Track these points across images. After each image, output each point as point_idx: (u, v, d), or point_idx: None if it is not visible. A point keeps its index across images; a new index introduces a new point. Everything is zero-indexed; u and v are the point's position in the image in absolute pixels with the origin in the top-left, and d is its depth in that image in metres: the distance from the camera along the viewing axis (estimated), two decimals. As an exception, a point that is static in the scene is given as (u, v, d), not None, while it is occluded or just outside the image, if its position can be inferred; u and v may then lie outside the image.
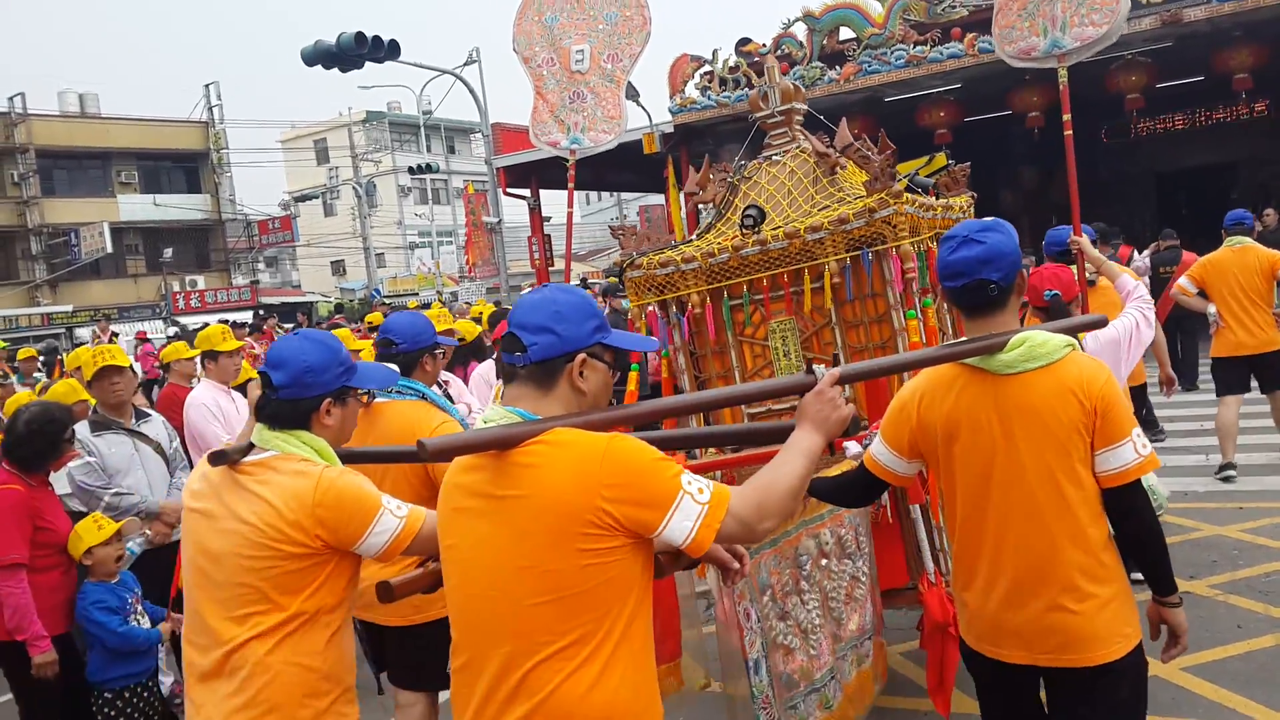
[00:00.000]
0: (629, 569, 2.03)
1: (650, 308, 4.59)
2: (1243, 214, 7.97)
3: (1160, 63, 14.69)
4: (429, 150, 45.81)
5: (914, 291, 4.08)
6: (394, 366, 3.75)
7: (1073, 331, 2.74)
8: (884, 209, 4.01)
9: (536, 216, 20.68)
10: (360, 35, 15.90)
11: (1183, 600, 2.68)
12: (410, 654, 3.60)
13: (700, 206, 4.90)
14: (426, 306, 19.19)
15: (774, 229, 4.29)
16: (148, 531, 5.15)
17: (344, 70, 17.13)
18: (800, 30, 16.77)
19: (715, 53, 17.28)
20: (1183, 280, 7.75)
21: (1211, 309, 7.47)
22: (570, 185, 7.70)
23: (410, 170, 31.54)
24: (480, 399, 6.52)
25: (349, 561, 2.57)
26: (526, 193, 20.69)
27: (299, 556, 2.46)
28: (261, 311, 17.13)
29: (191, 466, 6.17)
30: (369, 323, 12.28)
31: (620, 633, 2.03)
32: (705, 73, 17.38)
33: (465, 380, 6.90)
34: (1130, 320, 4.32)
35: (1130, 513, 2.57)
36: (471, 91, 20.61)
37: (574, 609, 1.99)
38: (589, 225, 59.36)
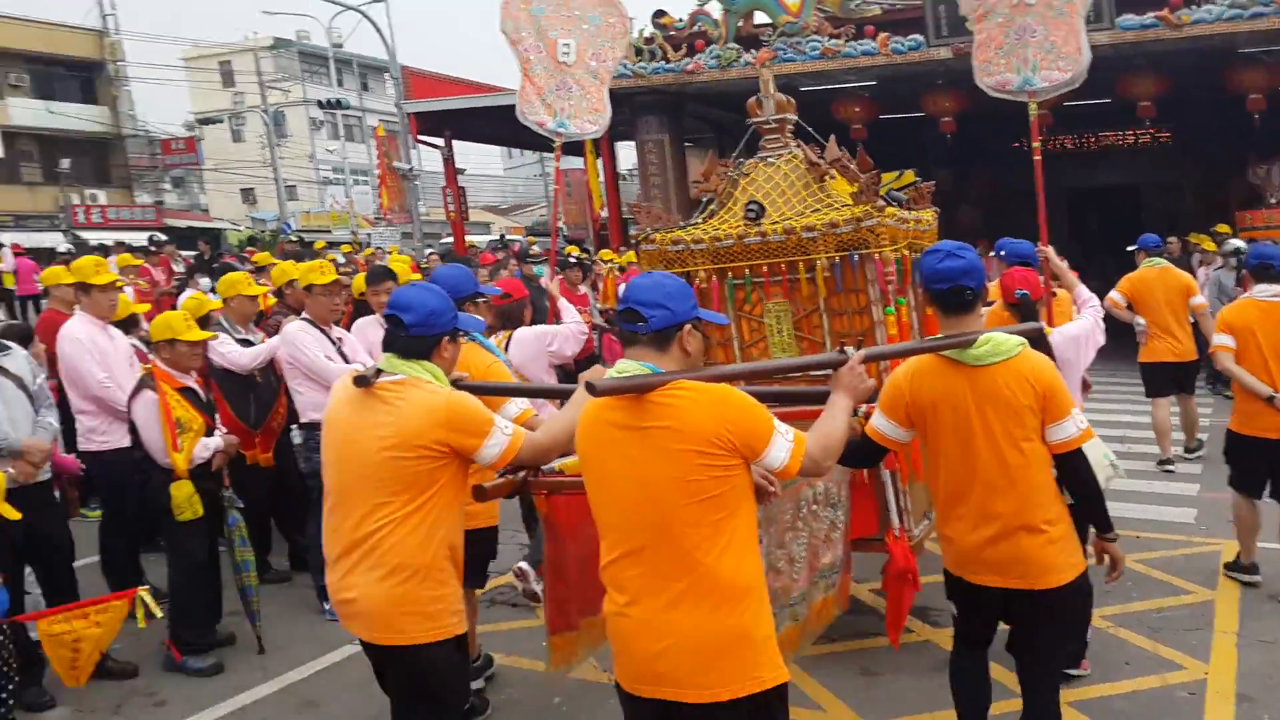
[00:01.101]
0: (742, 481, 2.78)
1: None
2: (1158, 239, 9.18)
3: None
4: (341, 85, 44.42)
5: (890, 291, 4.86)
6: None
7: (1021, 335, 3.51)
8: (869, 219, 4.76)
9: (450, 167, 20.16)
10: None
11: (1118, 536, 3.57)
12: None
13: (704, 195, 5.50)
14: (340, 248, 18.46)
15: (773, 223, 4.95)
16: (10, 470, 4.82)
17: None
18: (715, 9, 16.63)
19: (631, 22, 16.98)
20: (1114, 294, 8.64)
21: (1140, 321, 8.54)
22: (556, 164, 9.40)
23: (320, 104, 30.46)
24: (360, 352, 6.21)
25: (462, 470, 3.27)
26: (440, 141, 20.10)
27: (428, 458, 3.14)
28: (157, 235, 16.31)
29: (60, 402, 5.77)
30: (256, 263, 11.57)
31: (742, 524, 2.77)
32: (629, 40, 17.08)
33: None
34: (1089, 322, 5.03)
35: (1074, 472, 3.45)
36: (379, 30, 19.93)
37: (711, 508, 2.71)
38: (511, 179, 58.48)
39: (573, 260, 11.12)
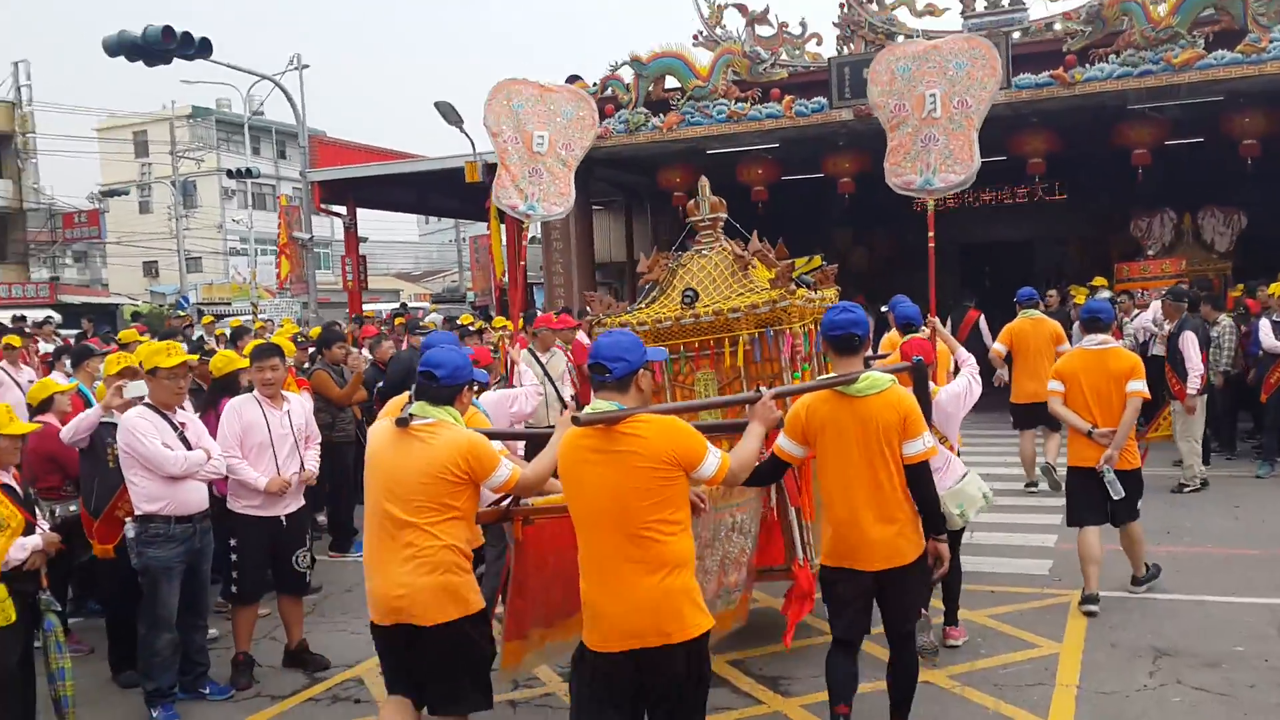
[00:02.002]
0: (684, 487, 3.73)
1: None
2: (1032, 291, 10.48)
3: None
4: (258, 154, 44.10)
5: (798, 360, 5.90)
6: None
7: (893, 373, 4.64)
8: (783, 301, 5.79)
9: (352, 236, 19.98)
10: (168, 29, 14.96)
11: (948, 536, 4.73)
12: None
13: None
14: (241, 318, 18.26)
15: (704, 306, 5.97)
16: None
17: (150, 64, 16.18)
18: (627, 74, 16.89)
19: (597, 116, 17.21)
20: (996, 344, 10.24)
21: (1003, 374, 10.16)
22: (524, 242, 10.59)
23: (229, 173, 30.16)
24: (228, 437, 6.04)
25: (476, 491, 4.19)
26: (343, 210, 20.01)
27: (451, 482, 4.07)
28: (52, 315, 15.84)
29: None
30: (120, 341, 11.06)
31: (683, 517, 3.72)
32: (531, 105, 17.26)
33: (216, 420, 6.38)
34: (966, 380, 5.96)
35: (918, 479, 4.43)
36: (290, 99, 19.86)
37: (662, 506, 3.63)
38: (425, 246, 58.38)
39: (469, 329, 11.11)
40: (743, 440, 4.03)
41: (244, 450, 6.06)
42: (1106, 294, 13.01)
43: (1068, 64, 14.36)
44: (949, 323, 13.63)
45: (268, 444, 6.09)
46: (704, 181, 6.47)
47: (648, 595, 3.61)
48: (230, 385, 7.01)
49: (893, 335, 7.85)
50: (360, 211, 29.69)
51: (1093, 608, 6.46)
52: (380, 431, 4.27)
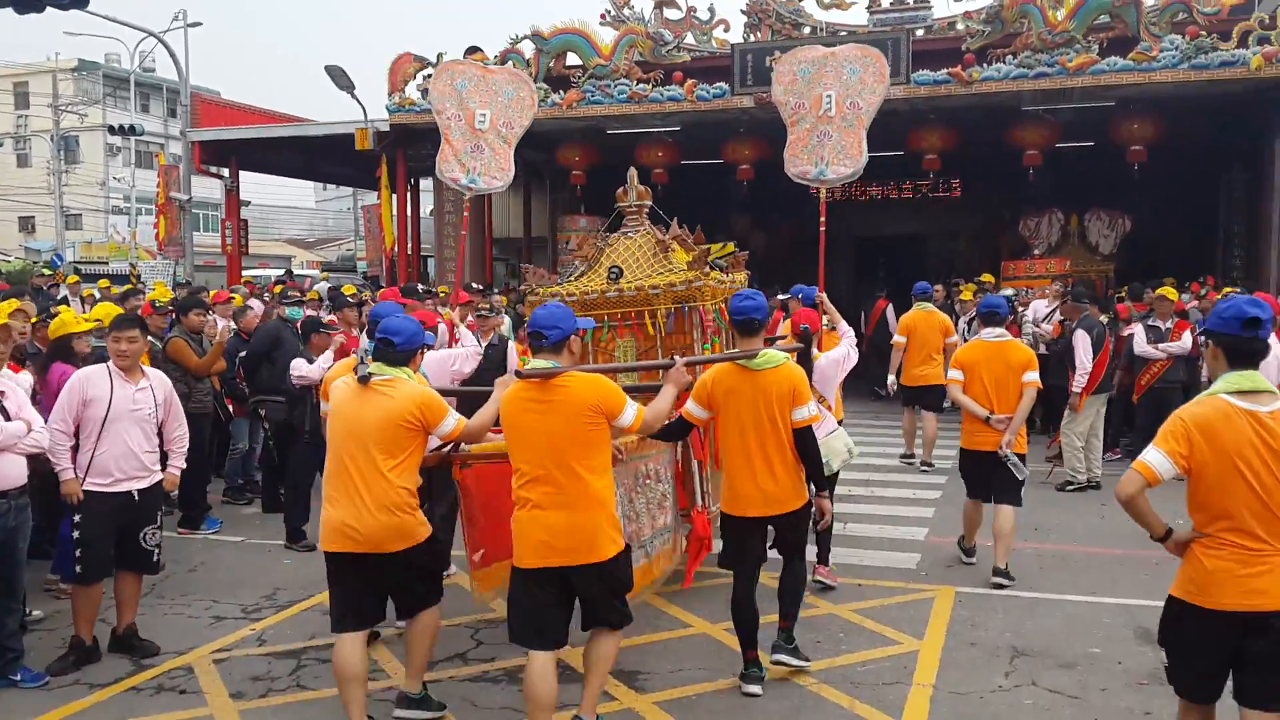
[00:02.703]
0: (606, 433, 4.48)
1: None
2: (926, 285, 11.51)
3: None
4: (148, 111, 42.31)
5: (709, 333, 6.64)
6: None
7: (787, 352, 5.45)
8: (698, 281, 6.56)
9: (233, 199, 19.14)
10: (40, -27, 14.11)
11: (829, 503, 5.66)
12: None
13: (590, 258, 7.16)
14: (120, 281, 17.40)
15: (628, 283, 6.71)
16: None
17: (20, 11, 15.16)
18: (528, 48, 16.48)
19: (440, 56, 16.65)
20: (897, 336, 11.22)
21: (892, 379, 11.17)
22: (465, 218, 10.83)
23: (111, 129, 28.78)
24: (63, 409, 5.59)
25: (425, 439, 4.76)
26: (225, 172, 19.17)
27: (408, 430, 4.62)
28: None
29: None
30: None
31: (606, 459, 4.52)
32: (428, 75, 16.70)
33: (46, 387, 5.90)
34: (845, 348, 6.90)
35: (804, 442, 5.14)
36: (173, 55, 18.94)
37: (590, 450, 4.41)
38: (321, 214, 56.86)
39: (350, 301, 10.67)
40: (657, 398, 4.89)
41: (84, 425, 5.61)
42: (1010, 291, 13.22)
43: (966, 63, 14.46)
44: (862, 313, 16.06)
45: (115, 419, 5.64)
46: (632, 172, 7.33)
47: (578, 523, 4.37)
48: (63, 350, 6.51)
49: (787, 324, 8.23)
50: (254, 176, 28.72)
51: (969, 560, 7.38)
52: (342, 387, 4.86)
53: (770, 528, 5.27)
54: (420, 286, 12.99)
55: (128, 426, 5.69)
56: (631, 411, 4.47)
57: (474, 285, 12.72)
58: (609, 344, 6.78)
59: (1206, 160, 17.82)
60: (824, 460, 5.55)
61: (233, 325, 9.51)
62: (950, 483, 9.56)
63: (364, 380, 4.68)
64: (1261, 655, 3.50)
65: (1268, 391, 3.53)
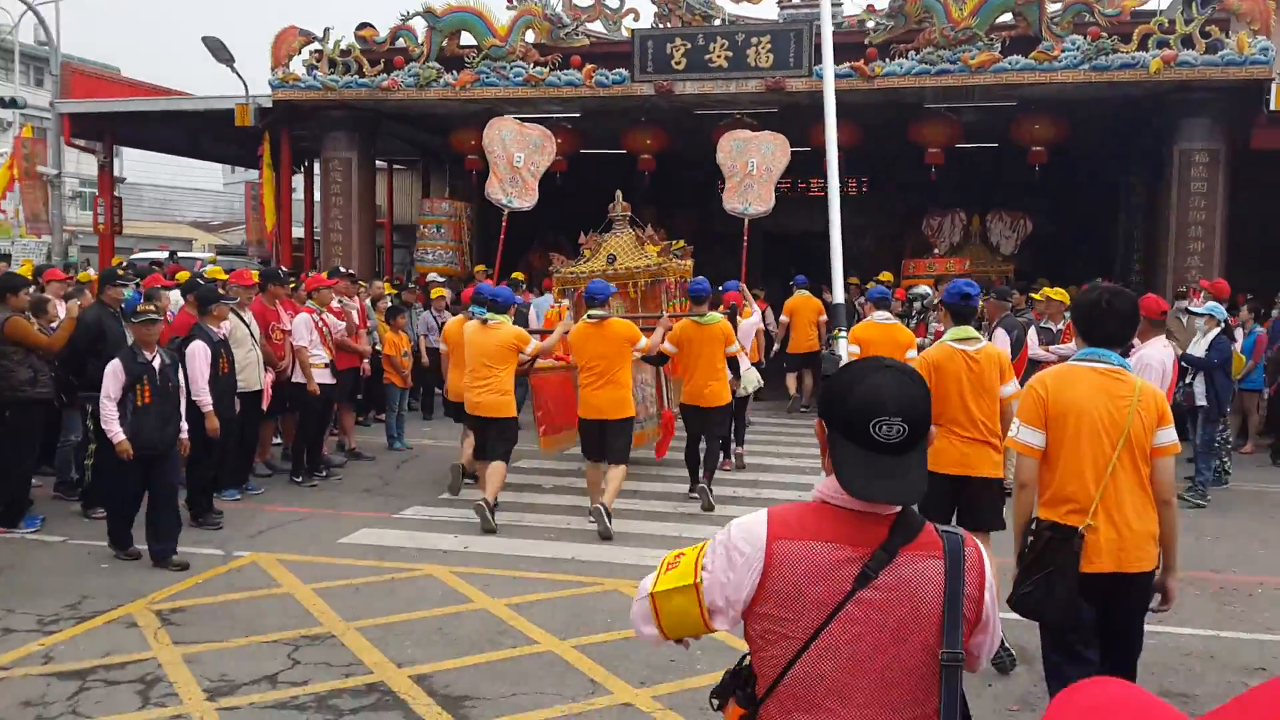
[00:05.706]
0: (630, 352, 8.37)
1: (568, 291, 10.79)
2: (804, 278, 14.42)
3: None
4: (41, 85, 40.19)
5: (671, 298, 10.37)
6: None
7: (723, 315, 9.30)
8: (665, 263, 10.45)
9: (107, 175, 17.95)
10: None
11: (735, 403, 9.72)
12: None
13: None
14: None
15: (620, 265, 10.44)
16: None
17: None
18: (420, 26, 15.75)
19: (327, 31, 15.89)
20: (783, 317, 14.44)
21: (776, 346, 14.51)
22: (502, 236, 13.01)
23: (-9, 101, 27.12)
24: None
25: (516, 355, 8.36)
26: (98, 146, 18.03)
27: (511, 350, 8.28)
28: None
29: None
30: None
31: (629, 365, 8.51)
32: (315, 50, 15.90)
33: None
34: (757, 318, 11.67)
35: (731, 364, 8.94)
36: (42, 22, 17.73)
37: (624, 361, 8.30)
38: (227, 196, 54.93)
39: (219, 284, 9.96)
40: (653, 335, 8.73)
41: None
42: (924, 289, 12.98)
43: (869, 57, 14.19)
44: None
45: None
46: (618, 193, 10.97)
47: (611, 394, 8.05)
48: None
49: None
50: (159, 156, 27.31)
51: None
52: (468, 326, 8.55)
53: (706, 413, 8.81)
54: (283, 269, 12.25)
55: None
56: (644, 341, 8.33)
57: (342, 269, 12.02)
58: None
59: (1107, 163, 17.88)
60: (742, 384, 9.58)
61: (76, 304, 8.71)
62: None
63: (484, 323, 8.24)
64: (969, 497, 5.74)
65: (975, 339, 5.81)
